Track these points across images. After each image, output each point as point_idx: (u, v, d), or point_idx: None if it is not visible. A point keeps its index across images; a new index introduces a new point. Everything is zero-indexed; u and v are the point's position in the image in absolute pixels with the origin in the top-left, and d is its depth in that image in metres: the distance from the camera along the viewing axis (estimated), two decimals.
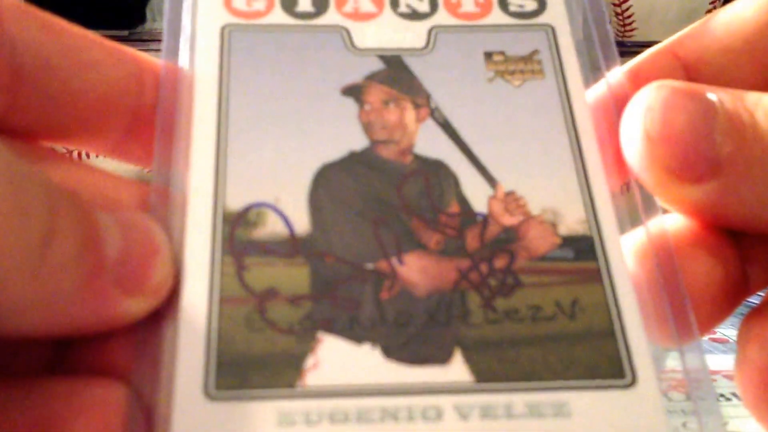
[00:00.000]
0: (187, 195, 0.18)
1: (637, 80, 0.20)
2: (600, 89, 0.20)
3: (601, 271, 0.18)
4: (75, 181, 0.17)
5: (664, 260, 0.18)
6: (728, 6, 0.21)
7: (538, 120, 0.20)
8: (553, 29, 0.21)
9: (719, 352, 0.47)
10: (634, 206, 0.19)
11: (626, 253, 0.18)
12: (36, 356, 0.17)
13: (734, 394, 0.43)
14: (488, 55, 0.21)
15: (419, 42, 0.21)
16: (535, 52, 0.21)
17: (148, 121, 0.19)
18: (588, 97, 0.20)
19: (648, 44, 0.21)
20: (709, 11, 0.54)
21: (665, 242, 0.18)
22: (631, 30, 0.52)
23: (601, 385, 0.16)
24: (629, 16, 0.52)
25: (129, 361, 0.16)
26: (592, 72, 0.21)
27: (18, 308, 0.14)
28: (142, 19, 0.59)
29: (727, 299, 0.19)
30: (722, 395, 0.41)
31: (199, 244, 0.17)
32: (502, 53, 0.21)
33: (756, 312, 0.18)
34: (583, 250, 0.18)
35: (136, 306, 0.16)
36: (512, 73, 0.21)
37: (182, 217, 0.18)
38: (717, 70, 0.20)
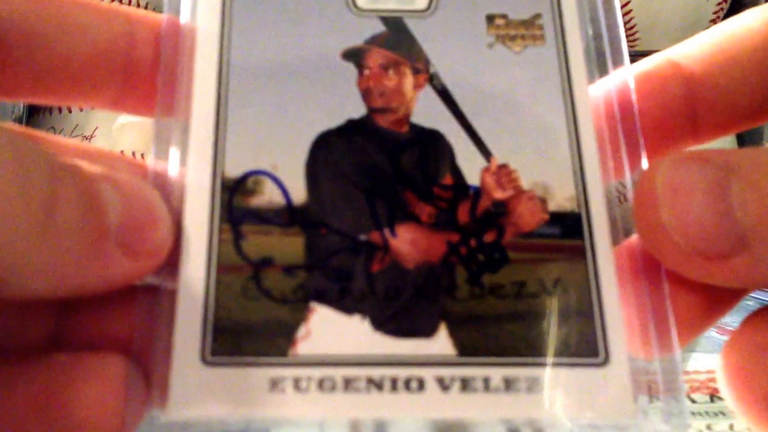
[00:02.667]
0: (187, 162, 0.18)
1: (636, 85, 0.20)
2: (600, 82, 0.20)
3: (585, 248, 0.18)
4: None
5: (650, 271, 0.18)
6: (734, 17, 0.20)
7: (537, 91, 0.20)
8: None
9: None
10: (629, 216, 0.19)
11: (615, 259, 0.18)
12: (38, 331, 0.18)
13: None
14: (490, 19, 0.21)
15: (421, 4, 0.21)
16: (537, 15, 0.21)
17: (143, 74, 0.19)
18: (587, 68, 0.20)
19: (650, 54, 0.21)
20: (713, 21, 0.52)
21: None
22: (634, 41, 0.51)
23: (575, 362, 0.17)
24: (631, 27, 0.50)
25: (127, 332, 0.17)
26: (594, 41, 0.21)
27: (26, 271, 0.15)
28: None
29: (711, 308, 0.18)
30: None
31: (198, 212, 0.18)
32: (504, 16, 0.21)
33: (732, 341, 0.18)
34: (570, 228, 0.19)
35: (138, 267, 0.17)
36: (513, 38, 0.21)
37: (181, 184, 0.18)
38: (721, 82, 0.20)
